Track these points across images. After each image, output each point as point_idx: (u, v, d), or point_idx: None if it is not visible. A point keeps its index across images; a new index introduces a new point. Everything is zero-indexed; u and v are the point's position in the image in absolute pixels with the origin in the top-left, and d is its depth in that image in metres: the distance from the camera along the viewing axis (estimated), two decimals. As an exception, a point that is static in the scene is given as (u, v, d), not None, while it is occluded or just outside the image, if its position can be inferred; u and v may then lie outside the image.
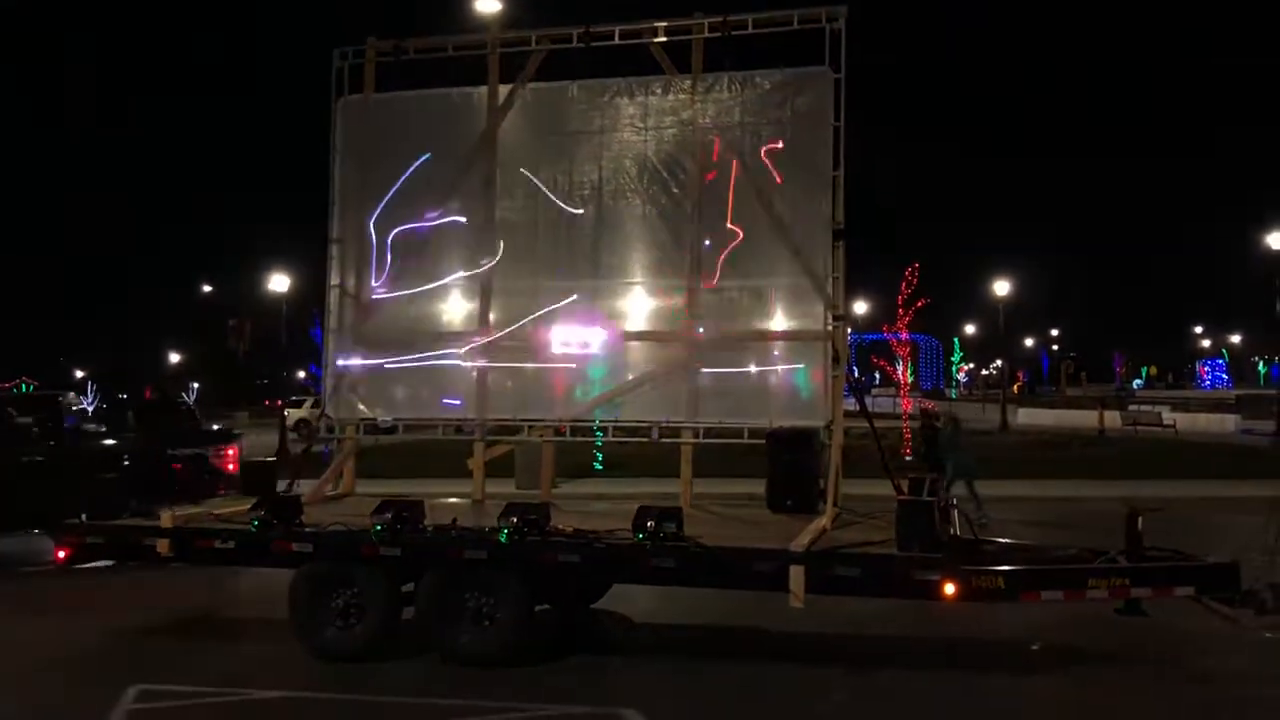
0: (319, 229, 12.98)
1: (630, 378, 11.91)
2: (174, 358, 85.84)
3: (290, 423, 43.55)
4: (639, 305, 12.00)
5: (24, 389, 66.29)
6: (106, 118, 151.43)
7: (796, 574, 8.36)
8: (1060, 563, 9.19)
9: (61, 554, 10.07)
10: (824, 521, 9.80)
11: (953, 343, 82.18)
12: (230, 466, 15.80)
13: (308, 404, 50.61)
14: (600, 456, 26.62)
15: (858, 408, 12.24)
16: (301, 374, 65.70)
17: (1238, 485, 23.40)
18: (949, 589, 8.33)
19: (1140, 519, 9.05)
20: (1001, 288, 51.19)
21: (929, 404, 32.24)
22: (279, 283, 40.28)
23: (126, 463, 15.17)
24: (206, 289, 78.01)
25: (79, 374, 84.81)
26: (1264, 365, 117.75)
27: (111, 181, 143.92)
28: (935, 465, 15.89)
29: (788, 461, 11.09)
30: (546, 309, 12.12)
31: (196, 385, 79.49)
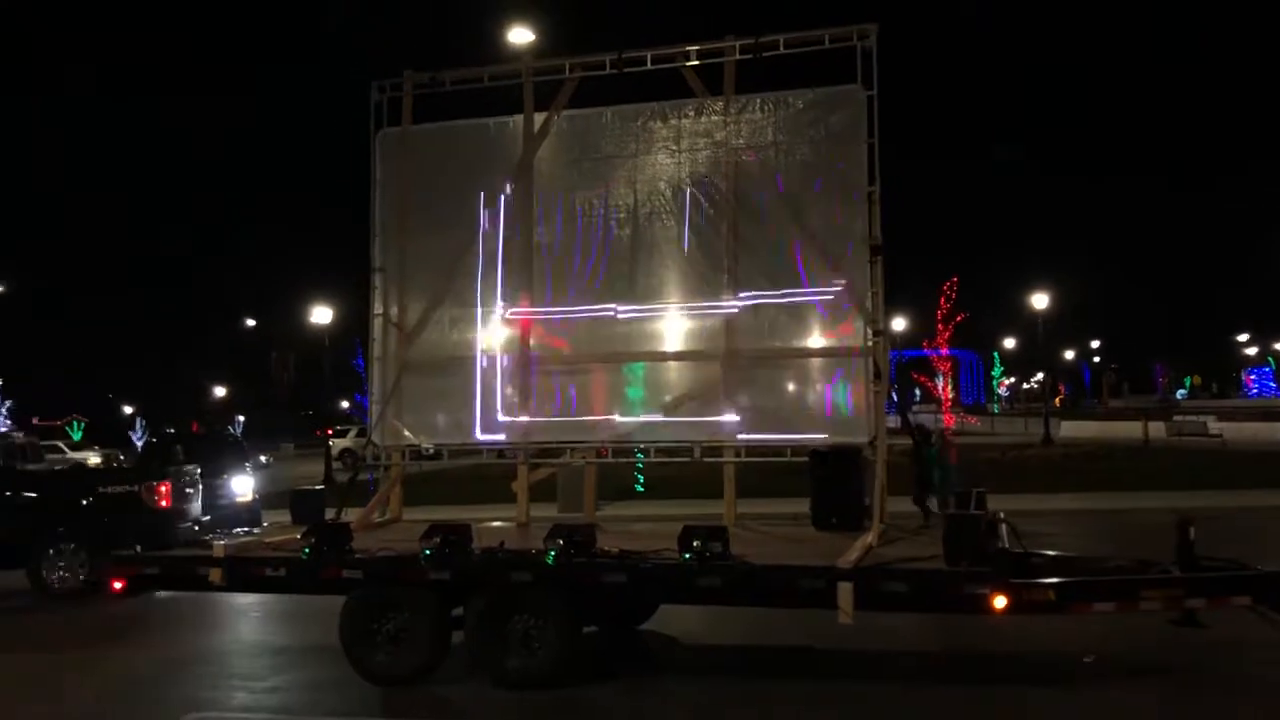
0: (361, 259, 13.20)
1: (670, 398, 11.97)
2: (219, 391, 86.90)
3: (335, 452, 44.01)
4: (677, 325, 12.08)
5: (75, 426, 67.69)
6: (145, 150, 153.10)
7: (845, 590, 8.32)
8: (1111, 574, 9.10)
9: (118, 585, 10.22)
10: (870, 538, 9.76)
11: (992, 357, 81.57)
12: (163, 503, 15.35)
13: (352, 433, 51.09)
14: (641, 478, 26.61)
15: (900, 424, 12.22)
16: (345, 404, 66.23)
17: (1288, 494, 22.94)
18: (999, 602, 8.26)
19: (1191, 528, 8.94)
20: (1040, 300, 50.72)
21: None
22: (321, 314, 40.72)
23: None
24: (250, 323, 79.05)
25: (128, 410, 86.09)
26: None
27: (153, 218, 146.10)
28: (924, 479, 15.84)
29: (831, 479, 11.08)
30: (586, 332, 12.25)
31: (242, 418, 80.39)
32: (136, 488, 15.42)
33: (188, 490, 16.18)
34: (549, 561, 9.04)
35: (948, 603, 8.62)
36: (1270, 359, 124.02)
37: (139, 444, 57.57)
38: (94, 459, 51.38)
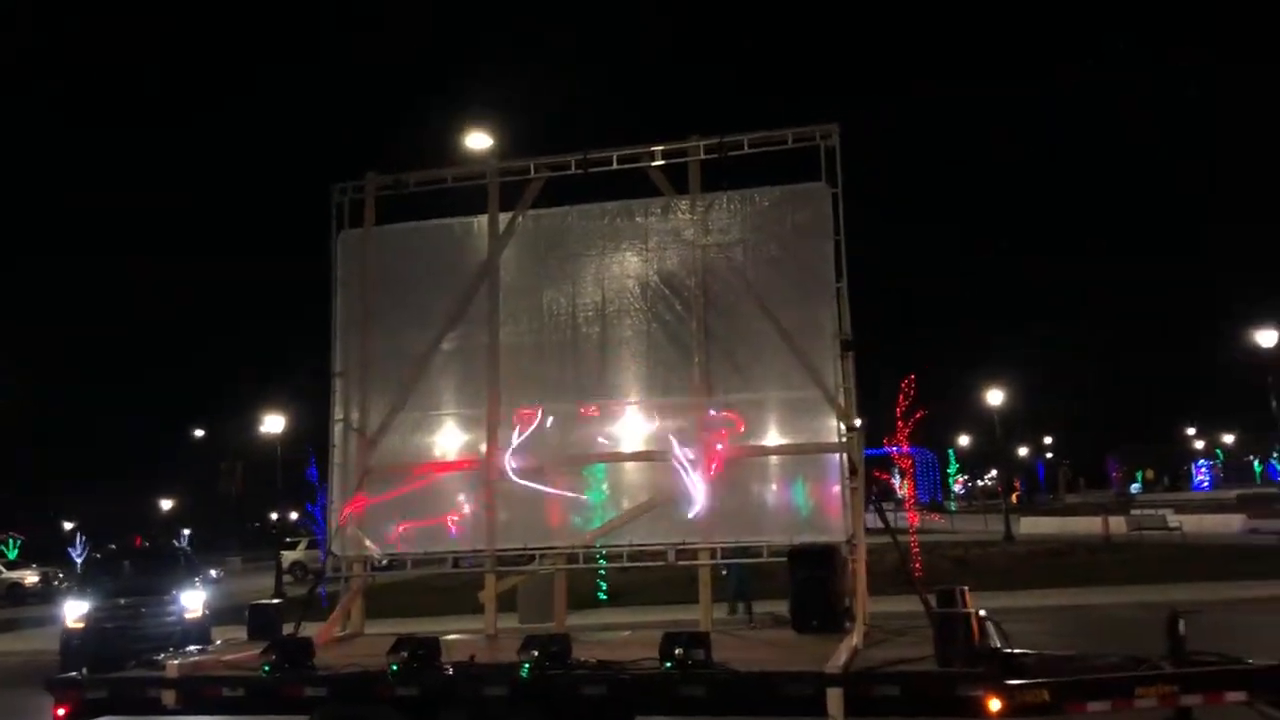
0: (314, 366, 12.89)
1: (643, 499, 11.66)
2: (165, 504, 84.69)
3: (285, 565, 42.79)
4: (647, 425, 11.83)
5: (10, 544, 65.33)
6: (86, 255, 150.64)
7: (835, 696, 7.97)
8: (1103, 671, 8.84)
9: (61, 711, 9.57)
10: (855, 640, 9.45)
11: (947, 454, 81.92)
12: None
13: (302, 545, 49.79)
14: (604, 585, 26.01)
15: (879, 522, 11.99)
16: (294, 515, 64.71)
17: (1255, 586, 22.89)
18: (994, 704, 7.94)
19: (1181, 622, 8.72)
20: (995, 397, 51.36)
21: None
22: (273, 423, 39.96)
23: None
24: (198, 433, 77.58)
25: (68, 526, 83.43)
26: (1260, 464, 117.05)
27: (97, 326, 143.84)
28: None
29: (811, 579, 10.74)
30: (554, 433, 11.96)
31: (187, 531, 78.24)
32: None
33: None
34: (524, 675, 8.61)
35: (941, 706, 8.27)
36: (1218, 452, 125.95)
37: (79, 561, 55.72)
38: (31, 578, 49.62)
